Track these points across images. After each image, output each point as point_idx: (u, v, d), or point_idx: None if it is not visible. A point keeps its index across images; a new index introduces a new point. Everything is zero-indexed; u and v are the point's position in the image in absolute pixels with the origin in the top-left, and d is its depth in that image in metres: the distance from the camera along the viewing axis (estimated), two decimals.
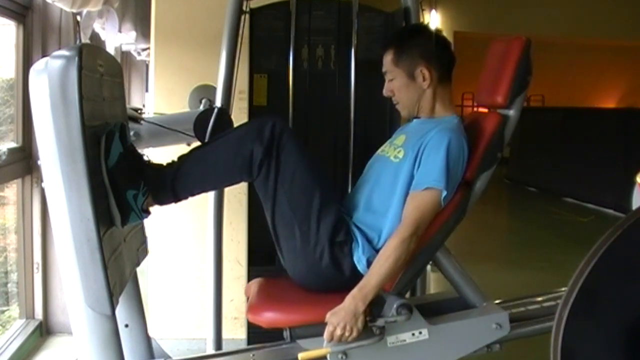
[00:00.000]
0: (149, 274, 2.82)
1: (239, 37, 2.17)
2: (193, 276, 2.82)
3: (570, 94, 12.18)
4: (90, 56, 1.46)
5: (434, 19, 10.12)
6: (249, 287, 1.93)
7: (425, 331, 1.73)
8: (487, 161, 1.80)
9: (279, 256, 1.86)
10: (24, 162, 2.78)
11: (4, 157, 2.49)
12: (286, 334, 1.70)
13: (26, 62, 2.75)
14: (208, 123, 2.05)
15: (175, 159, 1.74)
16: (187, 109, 2.46)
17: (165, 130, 2.08)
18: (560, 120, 8.48)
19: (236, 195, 2.57)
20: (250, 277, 2.47)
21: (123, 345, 1.57)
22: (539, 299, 1.98)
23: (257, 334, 2.37)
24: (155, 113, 2.61)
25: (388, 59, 1.86)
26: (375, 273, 1.68)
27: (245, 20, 2.22)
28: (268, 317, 1.73)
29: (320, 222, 1.73)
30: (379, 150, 1.97)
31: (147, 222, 1.84)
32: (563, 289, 1.65)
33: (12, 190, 2.93)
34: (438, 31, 1.90)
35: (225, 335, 2.28)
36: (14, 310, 2.96)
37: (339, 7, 2.43)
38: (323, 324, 1.65)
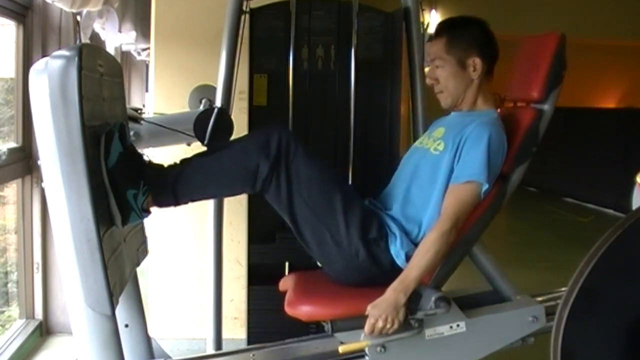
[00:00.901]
0: (149, 274, 2.82)
1: (239, 37, 2.17)
2: (193, 276, 2.82)
3: (570, 94, 12.14)
4: (90, 56, 1.46)
5: (434, 19, 10.13)
6: (285, 282, 1.94)
7: (462, 324, 1.74)
8: (523, 155, 1.82)
9: (282, 233, 1.84)
10: (24, 162, 2.78)
11: (4, 157, 2.49)
12: (327, 326, 1.70)
13: (26, 62, 2.75)
14: (208, 123, 2.05)
15: (178, 162, 1.73)
16: (187, 109, 2.46)
17: (165, 130, 2.08)
18: (561, 121, 8.48)
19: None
20: (250, 277, 2.47)
21: (123, 345, 1.57)
22: (539, 299, 1.98)
23: (257, 334, 2.37)
24: (155, 113, 2.61)
25: (439, 45, 1.85)
26: (415, 265, 1.69)
27: (245, 20, 2.22)
28: (307, 311, 1.74)
29: (348, 222, 1.73)
30: (417, 143, 1.97)
31: (147, 222, 1.84)
32: (563, 289, 1.65)
33: (12, 190, 2.93)
34: (487, 24, 1.90)
35: (225, 335, 2.28)
36: (14, 310, 2.96)
37: (339, 7, 2.43)
38: (363, 317, 1.66)
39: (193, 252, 2.82)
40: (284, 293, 1.87)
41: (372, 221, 1.76)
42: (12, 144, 2.77)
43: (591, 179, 7.32)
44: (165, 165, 1.73)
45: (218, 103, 2.16)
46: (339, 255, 1.76)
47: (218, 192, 1.91)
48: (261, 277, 2.43)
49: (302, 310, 1.74)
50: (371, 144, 2.46)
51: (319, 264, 1.89)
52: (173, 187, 1.67)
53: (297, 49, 2.39)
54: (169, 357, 1.95)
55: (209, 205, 2.20)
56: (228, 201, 2.26)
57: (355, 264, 1.75)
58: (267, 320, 2.39)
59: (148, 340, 1.91)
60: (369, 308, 1.66)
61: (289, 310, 1.76)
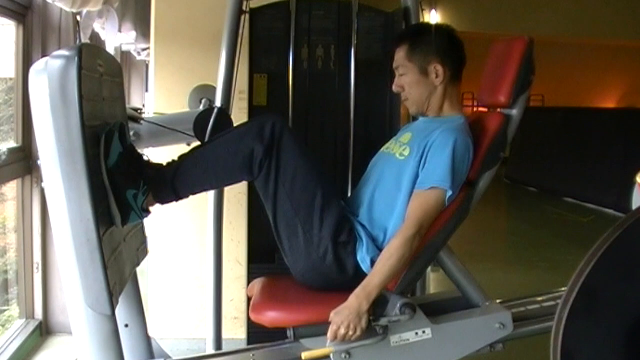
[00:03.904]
0: (149, 274, 2.82)
1: (239, 37, 2.17)
2: (193, 276, 2.82)
3: (570, 94, 12.18)
4: (90, 56, 1.46)
5: (434, 19, 10.12)
6: (252, 287, 1.93)
7: (428, 330, 1.73)
8: (490, 161, 1.81)
9: (281, 254, 1.85)
10: (24, 162, 2.78)
11: (4, 157, 2.49)
12: (290, 333, 1.70)
13: (26, 62, 2.75)
14: (208, 123, 2.05)
15: (176, 159, 1.74)
16: (187, 109, 2.46)
17: (165, 130, 2.08)
18: (560, 120, 8.48)
19: (236, 195, 2.57)
20: (250, 277, 2.47)
21: (123, 345, 1.57)
22: (539, 299, 1.98)
23: (257, 334, 2.37)
24: (155, 113, 2.61)
25: (401, 53, 1.85)
26: (378, 272, 1.67)
27: (245, 20, 2.22)
28: (271, 317, 1.73)
29: (323, 221, 1.72)
30: (384, 148, 1.96)
31: (147, 222, 1.84)
32: (563, 289, 1.65)
33: (10, 188, 2.93)
34: (452, 30, 1.90)
35: (225, 335, 2.28)
36: (14, 310, 2.96)
37: (339, 7, 2.43)
38: (326, 324, 1.65)
39: (193, 252, 2.82)
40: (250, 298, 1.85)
41: (345, 224, 1.76)
42: (12, 144, 2.77)
43: (591, 179, 7.32)
44: (165, 163, 1.74)
45: (218, 103, 2.16)
46: (306, 253, 1.74)
47: (217, 183, 1.89)
48: (261, 277, 2.43)
49: (266, 317, 1.73)
50: (371, 144, 2.46)
51: (286, 262, 1.87)
52: (172, 182, 1.67)
53: (297, 49, 2.39)
54: (169, 357, 1.95)
55: (209, 205, 2.21)
56: (228, 201, 2.26)
57: (321, 265, 1.74)
58: None
59: (148, 340, 1.91)
60: (332, 315, 1.65)
61: (253, 316, 1.75)
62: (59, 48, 2.78)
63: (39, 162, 1.48)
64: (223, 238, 2.23)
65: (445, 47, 1.84)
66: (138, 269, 1.85)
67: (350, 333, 1.63)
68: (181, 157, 1.73)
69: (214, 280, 2.23)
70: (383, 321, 1.68)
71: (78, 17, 2.93)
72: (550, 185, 8.28)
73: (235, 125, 2.10)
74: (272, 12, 2.42)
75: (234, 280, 2.73)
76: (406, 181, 1.77)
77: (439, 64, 1.82)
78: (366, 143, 2.44)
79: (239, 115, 2.33)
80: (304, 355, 1.66)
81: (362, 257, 1.74)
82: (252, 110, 2.45)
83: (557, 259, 4.83)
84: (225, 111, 2.12)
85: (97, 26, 3.43)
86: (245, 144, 1.68)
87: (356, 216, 1.83)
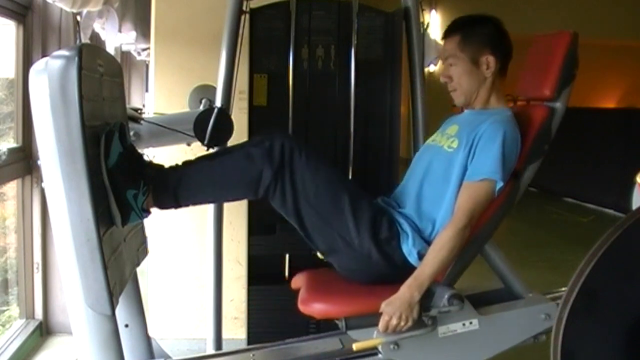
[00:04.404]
0: (149, 274, 2.82)
1: (239, 37, 2.17)
2: (193, 276, 2.82)
3: (571, 93, 12.15)
4: (90, 56, 1.46)
5: (434, 19, 10.12)
6: (297, 279, 1.94)
7: (475, 321, 1.75)
8: (535, 153, 1.83)
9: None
10: (24, 162, 2.78)
11: (4, 157, 2.49)
12: (341, 324, 1.70)
13: (26, 62, 2.75)
14: (208, 123, 2.05)
15: (180, 164, 1.73)
16: (187, 109, 2.46)
17: (165, 130, 2.08)
18: (560, 120, 8.45)
19: None
20: (250, 277, 2.47)
21: (123, 345, 1.57)
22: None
23: (257, 334, 2.37)
24: (155, 113, 2.60)
25: (453, 43, 1.85)
26: (429, 263, 1.69)
27: (245, 20, 2.22)
28: (321, 308, 1.75)
29: (358, 223, 1.73)
30: (429, 140, 1.97)
31: (147, 222, 1.83)
32: (563, 289, 1.65)
33: (10, 188, 2.93)
34: (501, 22, 1.91)
35: (225, 335, 2.28)
36: (14, 310, 2.96)
37: (339, 7, 2.43)
38: (376, 315, 1.67)
39: (193, 252, 2.82)
40: (297, 291, 1.86)
41: (381, 220, 1.76)
42: (12, 144, 2.77)
43: (591, 179, 7.32)
44: (167, 166, 1.73)
45: (218, 103, 2.16)
46: (351, 257, 1.76)
47: (220, 197, 1.91)
48: (261, 277, 2.43)
49: (316, 308, 1.74)
50: (371, 144, 2.46)
51: (319, 255, 1.88)
52: (175, 190, 1.67)
53: (297, 49, 2.39)
54: (169, 357, 1.95)
55: (209, 205, 2.20)
56: None
57: (369, 263, 1.75)
58: (267, 320, 2.40)
59: (148, 340, 1.91)
60: (383, 305, 1.66)
61: (302, 308, 1.76)
62: (59, 48, 2.78)
63: (39, 162, 1.48)
64: (223, 238, 2.23)
65: (498, 38, 1.86)
66: (138, 269, 1.85)
67: (402, 323, 1.65)
68: (186, 164, 1.73)
69: (214, 280, 2.23)
70: (433, 312, 1.70)
71: (78, 17, 2.93)
72: (550, 185, 8.27)
73: (234, 125, 2.11)
74: (272, 12, 2.41)
75: (234, 280, 2.73)
76: (455, 173, 1.78)
77: (491, 55, 1.83)
78: (366, 143, 2.44)
79: (239, 115, 2.33)
80: (355, 346, 1.69)
81: (409, 250, 1.75)
82: (252, 110, 2.45)
83: (557, 259, 4.83)
84: (225, 111, 2.12)
85: (97, 26, 3.43)
86: (254, 165, 1.68)
87: (402, 208, 1.84)
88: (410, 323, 1.66)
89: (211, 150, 2.01)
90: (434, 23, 10.02)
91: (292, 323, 2.25)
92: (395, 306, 1.65)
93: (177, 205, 1.70)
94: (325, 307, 1.75)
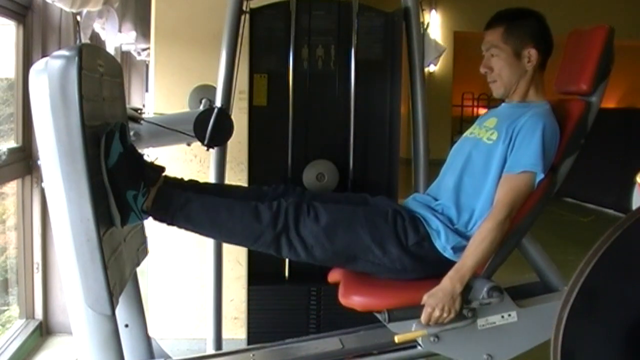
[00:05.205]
0: (149, 274, 2.82)
1: (239, 37, 2.17)
2: (193, 276, 2.82)
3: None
4: (90, 56, 1.47)
5: (434, 19, 10.13)
6: (334, 273, 1.93)
7: (514, 313, 1.76)
8: (572, 147, 1.84)
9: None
10: (24, 162, 2.78)
11: (4, 157, 2.49)
12: (384, 316, 1.71)
13: (26, 62, 2.75)
14: (208, 123, 2.05)
15: (188, 183, 1.76)
16: (187, 109, 2.46)
17: (165, 130, 2.08)
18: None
19: None
20: (250, 277, 2.47)
21: (123, 345, 1.57)
22: None
23: (257, 334, 2.37)
24: (155, 113, 2.60)
25: (497, 34, 1.86)
26: (471, 254, 1.70)
27: (245, 20, 2.22)
28: (362, 301, 1.76)
29: (381, 244, 1.74)
30: (467, 133, 1.98)
31: (147, 222, 1.83)
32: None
33: (10, 188, 2.93)
34: (543, 17, 1.91)
35: (225, 335, 2.28)
36: (14, 310, 2.96)
37: (339, 7, 2.43)
38: (418, 307, 1.68)
39: (193, 252, 2.82)
40: (336, 284, 1.87)
41: (404, 226, 1.76)
42: (12, 144, 2.77)
43: (591, 179, 7.30)
44: (171, 177, 1.74)
45: (218, 103, 2.16)
46: (386, 271, 1.78)
47: (216, 236, 1.96)
48: (261, 277, 2.43)
49: (357, 301, 1.75)
50: (371, 144, 2.46)
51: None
52: (174, 213, 1.67)
53: (297, 49, 2.39)
54: (169, 357, 1.95)
55: None
56: None
57: (405, 271, 1.77)
58: (267, 320, 2.39)
59: (148, 340, 1.92)
60: (426, 297, 1.67)
61: (343, 300, 1.77)
62: (59, 48, 2.78)
63: (39, 162, 1.48)
64: None
65: (541, 33, 1.86)
66: (138, 269, 1.85)
67: (445, 315, 1.66)
68: (194, 190, 1.75)
69: (214, 280, 2.23)
70: (474, 304, 1.70)
71: (78, 17, 2.93)
72: None
73: (234, 125, 2.11)
74: (272, 12, 2.41)
75: (234, 280, 2.73)
76: (494, 164, 1.78)
77: (533, 48, 1.84)
78: (366, 143, 2.44)
79: (239, 115, 2.33)
80: (397, 338, 1.70)
81: (443, 246, 1.76)
82: (252, 110, 2.45)
83: (557, 259, 4.80)
84: (225, 111, 2.12)
85: (97, 26, 3.43)
86: (258, 224, 1.69)
87: (438, 201, 1.85)
88: (452, 315, 1.67)
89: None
90: (434, 23, 10.03)
91: (292, 323, 2.25)
92: (438, 298, 1.66)
93: (170, 224, 1.70)
94: (367, 300, 1.76)
